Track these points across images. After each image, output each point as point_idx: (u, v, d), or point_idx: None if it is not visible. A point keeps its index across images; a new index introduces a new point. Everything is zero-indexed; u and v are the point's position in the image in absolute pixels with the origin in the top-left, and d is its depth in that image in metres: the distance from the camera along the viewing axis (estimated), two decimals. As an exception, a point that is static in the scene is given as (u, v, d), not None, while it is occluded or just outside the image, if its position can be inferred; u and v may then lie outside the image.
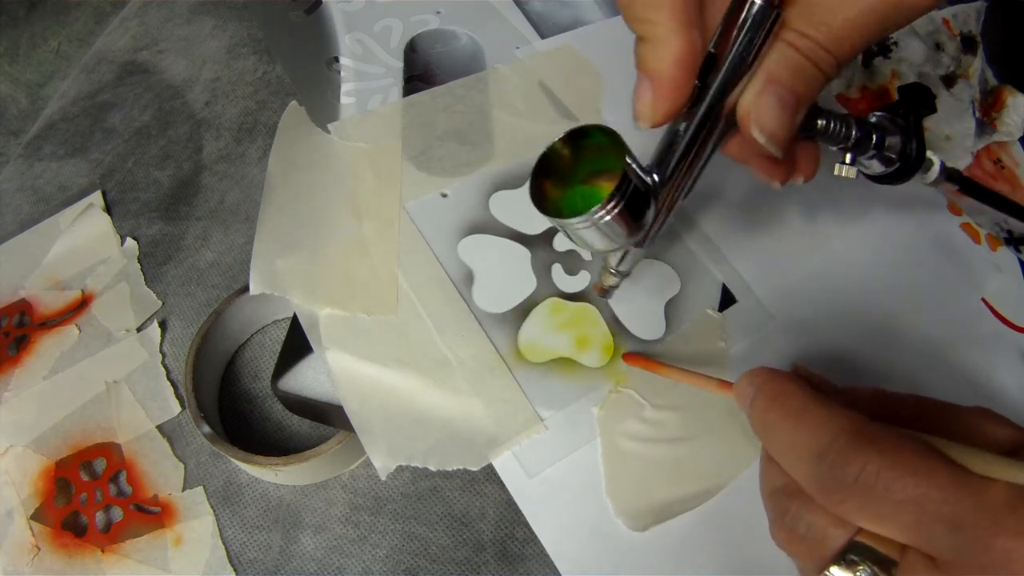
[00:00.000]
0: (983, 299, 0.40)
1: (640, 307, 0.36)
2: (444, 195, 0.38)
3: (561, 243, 0.37)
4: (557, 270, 0.36)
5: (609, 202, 0.25)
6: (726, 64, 0.25)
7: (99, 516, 0.37)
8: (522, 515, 0.30)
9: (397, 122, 0.40)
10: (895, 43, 0.52)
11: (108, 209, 0.48)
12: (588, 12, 0.47)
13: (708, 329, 0.35)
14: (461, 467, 0.31)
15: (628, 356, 0.34)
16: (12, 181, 0.51)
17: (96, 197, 0.48)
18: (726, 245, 0.38)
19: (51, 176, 0.51)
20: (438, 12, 0.46)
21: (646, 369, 0.33)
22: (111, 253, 0.45)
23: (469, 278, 0.35)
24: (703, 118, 0.26)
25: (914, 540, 0.21)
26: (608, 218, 0.25)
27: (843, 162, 0.30)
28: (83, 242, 0.46)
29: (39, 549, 0.35)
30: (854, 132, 0.29)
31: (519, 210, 0.38)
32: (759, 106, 0.25)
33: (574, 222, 0.26)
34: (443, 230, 0.37)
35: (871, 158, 0.31)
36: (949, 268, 0.41)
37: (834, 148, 0.30)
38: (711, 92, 0.25)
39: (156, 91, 0.53)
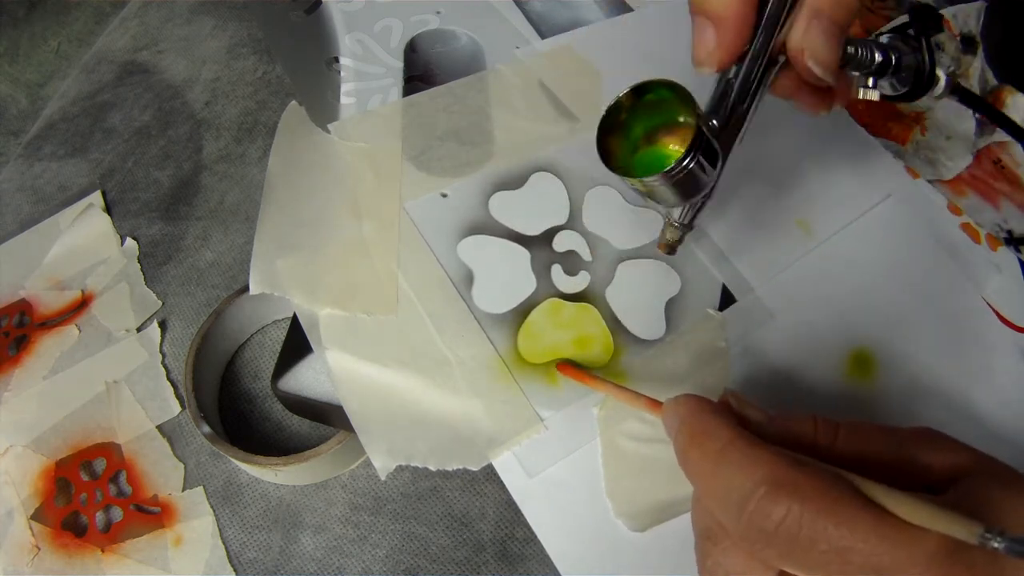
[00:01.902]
0: (983, 299, 0.40)
1: (640, 307, 0.36)
2: (444, 195, 0.38)
3: (561, 243, 0.37)
4: (557, 270, 0.36)
5: (686, 157, 0.26)
6: (771, 3, 0.26)
7: (99, 516, 0.37)
8: (522, 515, 0.30)
9: (397, 122, 0.40)
10: (951, 74, 0.52)
11: (108, 209, 0.48)
12: (588, 12, 0.47)
13: (708, 328, 0.35)
14: (461, 467, 0.31)
15: (562, 366, 0.33)
16: (12, 181, 0.51)
17: (96, 197, 0.48)
18: (726, 244, 0.38)
19: (51, 176, 0.51)
20: (438, 12, 0.46)
21: (578, 381, 0.32)
22: (111, 253, 0.45)
23: (469, 278, 0.35)
24: (754, 59, 0.27)
25: None
26: (684, 174, 0.26)
27: (866, 86, 0.31)
28: (83, 242, 0.46)
29: (39, 549, 0.35)
30: (878, 56, 0.30)
31: (519, 210, 0.38)
32: (809, 39, 0.26)
33: (652, 180, 0.26)
34: (443, 230, 0.37)
35: (889, 80, 0.32)
36: (949, 268, 0.41)
37: (857, 73, 0.31)
38: (760, 32, 0.26)
39: (156, 91, 0.53)
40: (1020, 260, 0.43)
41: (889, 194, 0.42)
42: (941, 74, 0.32)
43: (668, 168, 0.26)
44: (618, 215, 0.39)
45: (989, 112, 0.36)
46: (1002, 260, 0.42)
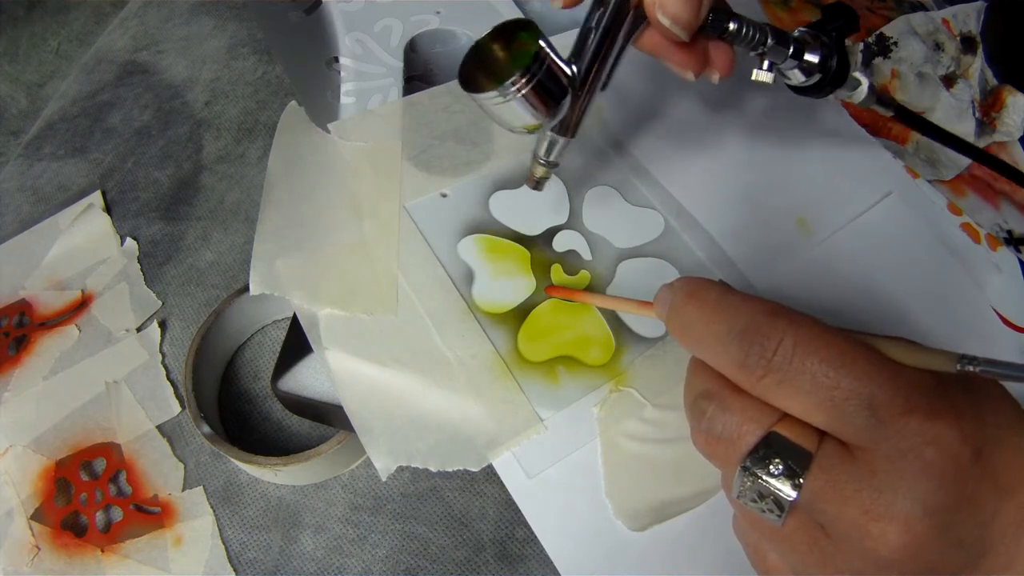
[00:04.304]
0: (984, 299, 0.40)
1: (640, 307, 0.36)
2: (444, 195, 0.38)
3: (561, 243, 0.37)
4: (557, 270, 0.36)
5: (522, 77, 0.27)
6: None
7: (99, 516, 0.37)
8: (522, 515, 0.30)
9: (397, 122, 0.40)
10: (895, 43, 0.52)
11: (108, 209, 0.48)
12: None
13: (708, 329, 0.35)
14: (461, 468, 0.31)
15: (550, 288, 0.35)
16: (12, 181, 0.51)
17: (96, 197, 0.48)
18: (726, 242, 0.38)
19: (51, 176, 0.51)
20: (438, 12, 0.46)
21: (568, 299, 0.34)
22: (111, 253, 0.45)
23: (469, 278, 0.35)
24: (613, 10, 0.29)
25: (829, 421, 0.21)
26: (521, 94, 0.27)
27: (760, 67, 0.31)
28: (83, 242, 0.46)
29: (39, 549, 0.35)
30: (769, 40, 0.30)
31: (519, 210, 0.38)
32: None
33: (489, 95, 0.28)
34: (443, 230, 0.37)
35: (792, 68, 0.32)
36: (949, 268, 0.41)
37: (752, 54, 0.31)
38: None
39: (156, 91, 0.53)
40: (1020, 260, 0.43)
41: (889, 193, 0.42)
42: (862, 78, 0.33)
43: (503, 85, 0.27)
44: (618, 214, 0.39)
45: (925, 128, 0.37)
46: (1002, 260, 0.42)
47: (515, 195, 0.38)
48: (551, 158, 0.32)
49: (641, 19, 0.29)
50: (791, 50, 0.31)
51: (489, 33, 0.29)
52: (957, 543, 0.20)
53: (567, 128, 0.31)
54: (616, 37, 0.29)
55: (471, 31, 0.45)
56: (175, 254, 0.45)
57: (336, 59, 0.44)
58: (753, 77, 0.31)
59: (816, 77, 0.32)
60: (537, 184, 0.34)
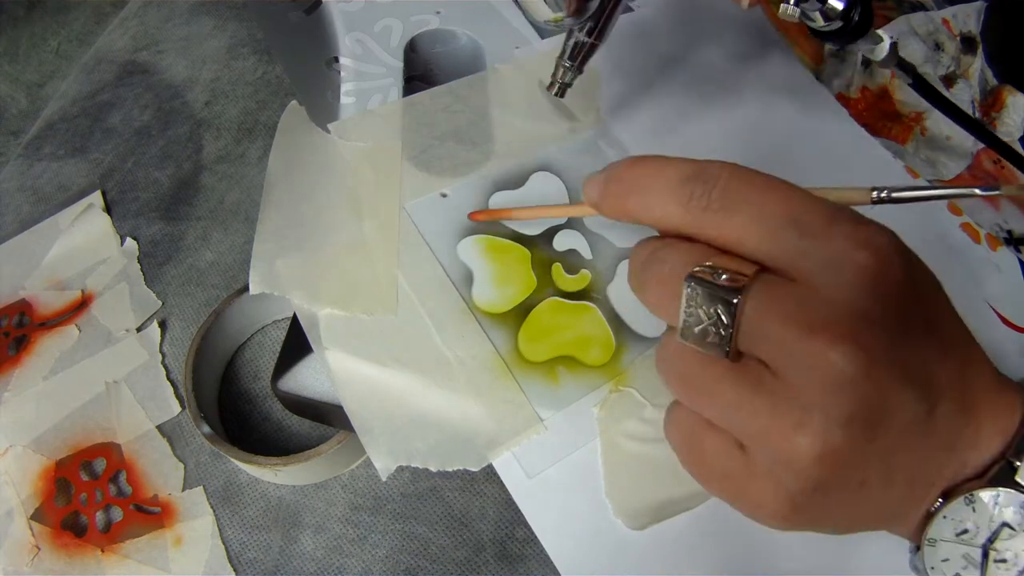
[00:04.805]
0: (983, 298, 0.40)
1: (642, 306, 0.36)
2: (444, 195, 0.38)
3: (561, 242, 0.37)
4: (557, 270, 0.36)
5: None
6: None
7: (99, 516, 0.37)
8: (522, 515, 0.30)
9: (397, 122, 0.40)
10: (895, 43, 0.52)
11: (108, 209, 0.48)
12: (588, 12, 0.47)
13: (708, 329, 0.35)
14: (461, 468, 0.31)
15: (473, 214, 0.35)
16: (12, 181, 0.51)
17: (96, 197, 0.48)
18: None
19: (51, 176, 0.51)
20: (438, 12, 0.46)
21: (493, 218, 0.34)
22: (111, 253, 0.45)
23: (469, 278, 0.35)
24: None
25: (763, 246, 0.21)
26: None
27: (787, 2, 0.32)
28: (83, 242, 0.46)
29: (39, 549, 0.35)
30: None
31: (519, 210, 0.38)
32: None
33: None
34: (443, 230, 0.37)
35: (815, 10, 0.33)
36: (949, 268, 0.41)
37: None
38: None
39: (156, 91, 0.53)
40: (1020, 260, 0.43)
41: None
42: (885, 36, 0.34)
43: None
44: (618, 215, 0.39)
45: (940, 103, 0.37)
46: (1002, 260, 0.42)
47: (515, 195, 0.38)
48: (575, 62, 0.33)
49: None
50: None
51: None
52: (903, 373, 0.20)
53: (597, 30, 0.31)
54: None
55: (471, 31, 0.45)
56: (175, 254, 0.45)
57: (336, 59, 0.44)
58: (780, 13, 0.32)
59: (837, 24, 0.33)
60: (560, 90, 0.34)
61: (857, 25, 0.32)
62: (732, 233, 0.22)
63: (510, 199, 0.38)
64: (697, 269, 0.21)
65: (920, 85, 0.36)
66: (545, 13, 0.29)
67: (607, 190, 0.25)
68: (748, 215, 0.21)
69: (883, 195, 0.23)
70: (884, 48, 0.34)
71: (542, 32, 0.45)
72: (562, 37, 0.34)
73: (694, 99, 0.44)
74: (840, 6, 0.32)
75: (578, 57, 0.32)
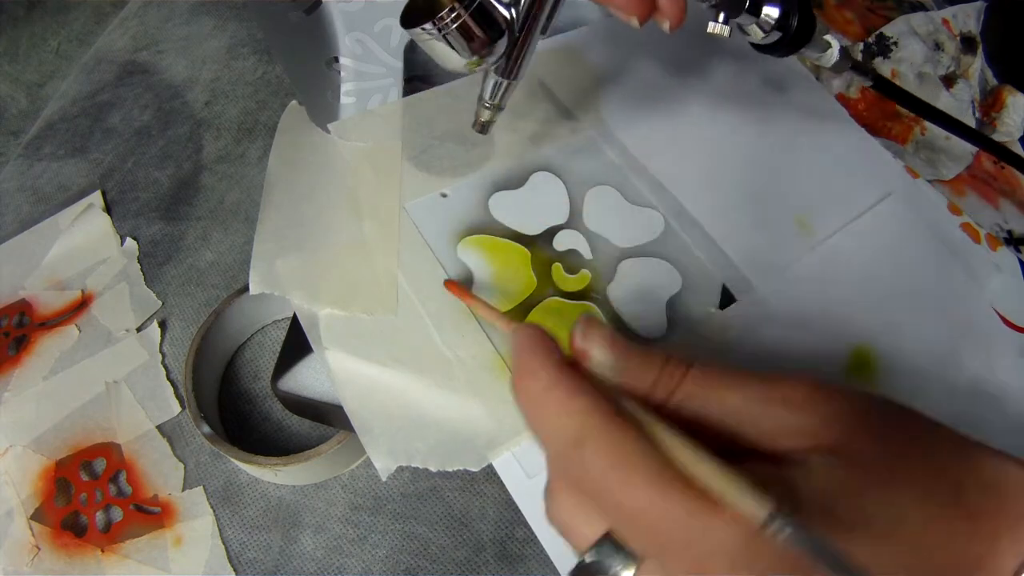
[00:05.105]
0: (983, 298, 0.40)
1: (641, 306, 0.36)
2: (444, 195, 0.38)
3: (561, 242, 0.37)
4: (557, 270, 0.36)
5: (452, 12, 0.27)
6: None
7: (99, 516, 0.37)
8: (522, 515, 0.30)
9: (397, 122, 0.40)
10: (895, 43, 0.52)
11: (108, 209, 0.48)
12: (588, 12, 0.47)
13: (709, 327, 0.35)
14: (461, 468, 0.31)
15: (449, 283, 0.34)
16: (12, 181, 0.51)
17: (96, 197, 0.48)
18: (726, 243, 0.38)
19: (51, 176, 0.51)
20: (438, 12, 0.46)
21: (460, 298, 0.33)
22: (111, 253, 0.45)
23: (469, 278, 0.35)
24: None
25: (637, 547, 0.20)
26: (454, 27, 0.28)
27: (715, 20, 0.30)
28: (83, 242, 0.46)
29: (39, 549, 0.35)
30: None
31: (519, 210, 0.38)
32: None
33: (423, 30, 0.28)
34: (443, 230, 0.37)
35: (751, 23, 0.31)
36: (949, 268, 0.41)
37: (704, 5, 0.30)
38: None
39: (156, 91, 0.53)
40: (1020, 260, 0.43)
41: (889, 193, 0.42)
42: (833, 41, 0.32)
43: (433, 19, 0.28)
44: (619, 213, 0.39)
45: (904, 100, 0.36)
46: (1002, 260, 0.42)
47: (515, 195, 0.38)
48: (495, 101, 0.32)
49: None
50: (747, 3, 0.30)
51: None
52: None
53: (509, 70, 0.31)
54: None
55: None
56: (175, 254, 0.45)
57: (336, 59, 0.44)
58: (708, 30, 0.31)
59: (776, 36, 0.31)
60: (483, 128, 0.34)
61: (798, 32, 0.31)
62: (610, 526, 0.21)
63: (510, 199, 0.38)
64: (592, 545, 0.21)
65: (880, 85, 0.35)
66: (457, 62, 0.29)
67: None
68: (619, 525, 0.20)
69: (777, 529, 0.16)
70: (833, 54, 0.32)
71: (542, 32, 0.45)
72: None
73: (694, 99, 0.44)
74: (775, 12, 0.31)
75: (497, 96, 0.32)
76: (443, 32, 0.28)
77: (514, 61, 0.31)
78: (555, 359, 0.22)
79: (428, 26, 0.28)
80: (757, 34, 0.32)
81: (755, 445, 0.21)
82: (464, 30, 0.28)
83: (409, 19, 0.29)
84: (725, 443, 0.20)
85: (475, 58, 0.29)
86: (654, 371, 0.22)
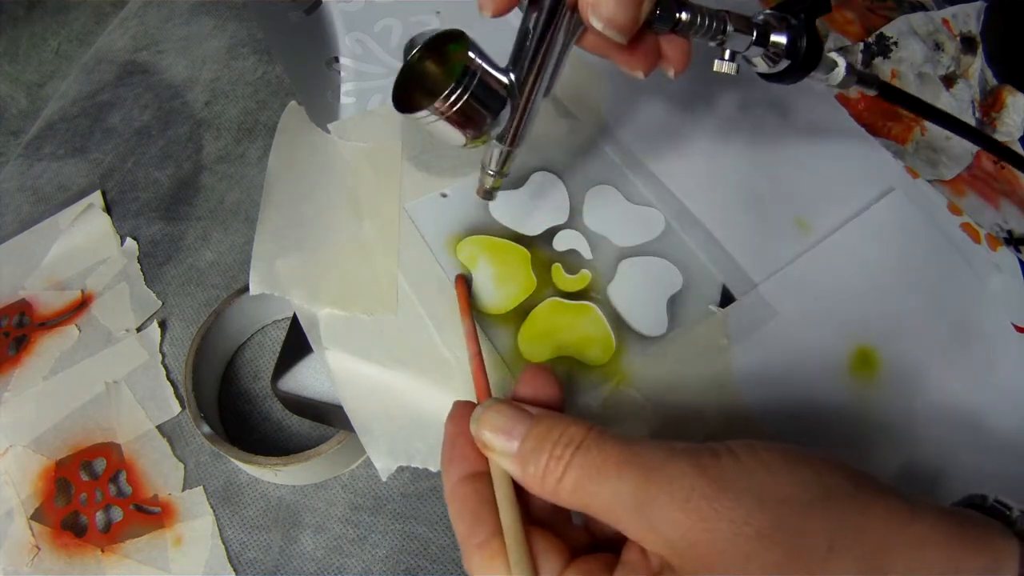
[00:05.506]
0: (983, 298, 0.40)
1: (642, 304, 0.36)
2: (444, 195, 0.38)
3: (561, 242, 0.37)
4: (557, 270, 0.36)
5: (451, 95, 0.26)
6: None
7: (99, 516, 0.37)
8: (522, 515, 0.30)
9: (397, 122, 0.40)
10: (895, 43, 0.52)
11: (108, 209, 0.48)
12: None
13: (710, 326, 0.35)
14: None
15: (460, 279, 0.34)
16: (12, 181, 0.51)
17: (96, 197, 0.48)
18: (727, 242, 0.38)
19: (51, 176, 0.51)
20: (438, 12, 0.46)
21: (457, 299, 0.33)
22: (111, 253, 0.45)
23: (469, 279, 0.35)
24: (549, 11, 0.27)
25: None
26: (455, 109, 0.26)
27: (722, 58, 0.30)
28: (83, 242, 0.46)
29: (39, 549, 0.35)
30: (728, 27, 0.28)
31: (519, 210, 0.38)
32: None
33: (422, 115, 0.26)
34: (443, 230, 0.37)
35: (759, 55, 0.30)
36: (950, 267, 0.41)
37: (712, 44, 0.29)
38: None
39: (156, 91, 0.53)
40: (1020, 260, 0.43)
41: (889, 193, 0.42)
42: (838, 59, 0.31)
43: (433, 104, 0.26)
44: (619, 213, 0.39)
45: (913, 106, 0.35)
46: (1002, 260, 0.42)
47: (515, 195, 0.38)
48: (499, 169, 0.31)
49: (580, 21, 0.27)
50: (754, 35, 0.29)
51: (419, 49, 0.28)
52: None
53: (511, 138, 0.30)
54: (555, 40, 0.27)
55: (471, 31, 0.45)
56: (175, 254, 0.45)
57: (336, 59, 0.44)
58: (715, 69, 0.30)
59: (785, 63, 0.30)
60: (487, 195, 0.32)
61: (807, 55, 0.30)
62: None
63: (510, 199, 0.38)
64: None
65: (886, 93, 0.34)
66: (459, 140, 0.28)
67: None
68: None
69: None
70: (840, 72, 0.31)
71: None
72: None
73: (694, 100, 0.44)
74: (783, 40, 0.29)
75: (500, 164, 0.31)
76: (445, 114, 0.26)
77: (516, 128, 0.29)
78: (460, 468, 0.25)
79: (423, 113, 0.26)
80: (767, 65, 0.31)
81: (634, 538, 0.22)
82: (467, 108, 0.26)
83: (402, 91, 0.28)
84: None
85: (479, 135, 0.28)
86: (544, 456, 0.23)
